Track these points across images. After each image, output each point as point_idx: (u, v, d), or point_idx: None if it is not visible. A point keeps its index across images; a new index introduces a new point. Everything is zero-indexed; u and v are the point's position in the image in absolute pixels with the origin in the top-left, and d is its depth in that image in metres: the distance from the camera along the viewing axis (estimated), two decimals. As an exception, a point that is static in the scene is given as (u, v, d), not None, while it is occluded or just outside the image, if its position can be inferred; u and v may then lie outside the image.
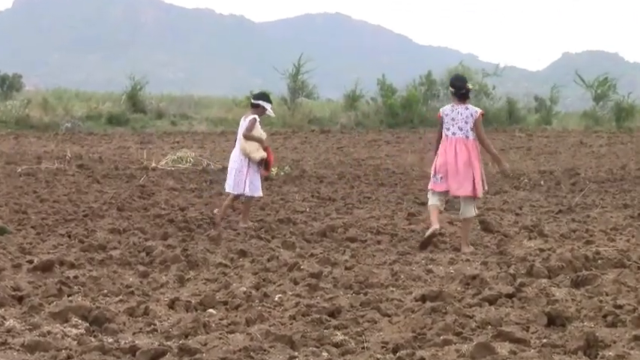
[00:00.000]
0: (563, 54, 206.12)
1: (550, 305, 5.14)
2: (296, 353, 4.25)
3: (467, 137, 7.81)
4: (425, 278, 6.29)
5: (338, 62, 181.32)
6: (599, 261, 6.72)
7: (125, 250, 7.25)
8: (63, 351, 4.21)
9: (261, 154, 8.97)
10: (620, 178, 14.45)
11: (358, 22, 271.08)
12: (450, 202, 9.31)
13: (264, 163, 9.05)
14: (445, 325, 4.65)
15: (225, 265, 6.70)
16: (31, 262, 6.48)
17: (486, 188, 8.16)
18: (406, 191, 12.37)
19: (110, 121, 26.43)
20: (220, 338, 4.46)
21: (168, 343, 4.40)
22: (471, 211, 7.92)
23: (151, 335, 4.64)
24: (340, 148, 20.37)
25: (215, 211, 9.38)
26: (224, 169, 14.15)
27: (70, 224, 8.67)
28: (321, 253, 7.30)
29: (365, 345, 4.44)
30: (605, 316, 4.87)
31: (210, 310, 5.26)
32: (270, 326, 4.78)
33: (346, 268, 6.63)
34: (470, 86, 8.11)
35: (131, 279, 6.16)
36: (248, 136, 8.95)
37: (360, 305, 5.34)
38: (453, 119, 7.84)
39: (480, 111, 7.90)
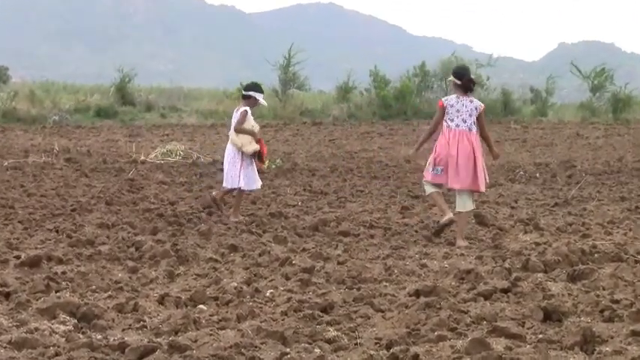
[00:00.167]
0: (559, 44, 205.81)
1: (546, 300, 5.10)
2: (288, 349, 4.19)
3: (470, 130, 7.76)
4: (419, 273, 6.23)
5: (331, 53, 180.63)
6: (596, 255, 6.66)
7: (114, 245, 7.17)
8: (51, 348, 4.16)
9: (253, 147, 8.88)
10: (617, 170, 14.40)
11: (351, 12, 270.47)
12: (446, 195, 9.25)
13: (258, 156, 8.97)
14: (439, 321, 4.61)
15: (216, 260, 6.63)
16: (18, 257, 6.40)
17: (488, 181, 8.13)
18: (399, 184, 12.30)
19: (98, 114, 26.18)
20: (211, 334, 4.41)
21: (158, 339, 4.34)
22: (469, 204, 7.87)
23: (140, 332, 4.59)
24: (332, 140, 20.25)
25: (213, 192, 9.38)
26: (214, 162, 14.16)
27: (57, 219, 8.57)
28: (313, 247, 7.23)
29: (358, 341, 4.39)
30: (602, 311, 4.82)
31: (201, 306, 5.20)
32: (261, 322, 4.73)
33: (339, 263, 6.57)
34: (473, 77, 8.11)
35: (120, 274, 6.09)
36: (239, 129, 8.87)
37: (353, 300, 5.29)
38: (458, 111, 7.78)
39: (483, 105, 7.89)
